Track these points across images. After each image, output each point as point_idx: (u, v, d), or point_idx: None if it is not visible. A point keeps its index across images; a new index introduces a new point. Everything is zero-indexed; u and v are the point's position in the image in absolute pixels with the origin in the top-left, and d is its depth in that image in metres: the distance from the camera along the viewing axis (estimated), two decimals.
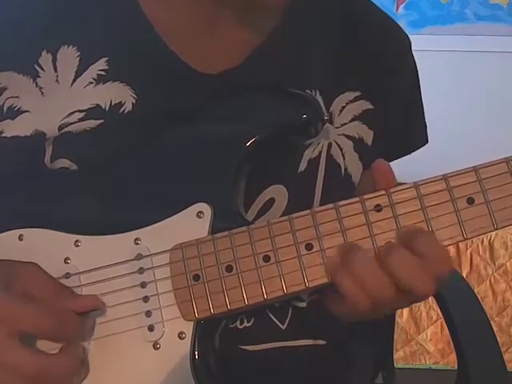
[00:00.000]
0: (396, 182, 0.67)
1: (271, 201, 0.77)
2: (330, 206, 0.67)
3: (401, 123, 0.88)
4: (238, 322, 0.76)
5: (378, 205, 0.66)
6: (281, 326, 0.78)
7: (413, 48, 0.90)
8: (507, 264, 2.29)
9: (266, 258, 0.66)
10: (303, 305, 0.80)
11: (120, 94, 0.75)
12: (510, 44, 2.50)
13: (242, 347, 0.77)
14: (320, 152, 0.80)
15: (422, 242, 0.64)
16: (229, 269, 0.67)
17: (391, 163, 0.92)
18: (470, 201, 0.65)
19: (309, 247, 0.66)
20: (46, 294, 0.66)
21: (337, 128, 0.81)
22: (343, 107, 0.82)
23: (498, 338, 0.94)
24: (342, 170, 0.82)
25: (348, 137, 0.82)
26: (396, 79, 0.87)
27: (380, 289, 0.64)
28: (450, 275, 1.08)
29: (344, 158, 0.82)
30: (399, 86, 0.88)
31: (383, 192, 0.66)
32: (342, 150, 0.81)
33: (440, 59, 2.45)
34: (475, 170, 0.65)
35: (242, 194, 0.73)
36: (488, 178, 0.65)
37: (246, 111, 0.74)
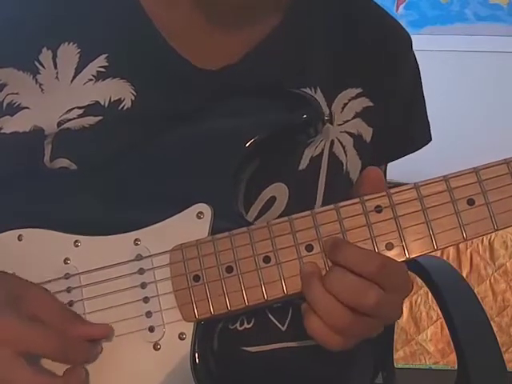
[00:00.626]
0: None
1: (272, 199, 0.77)
2: (331, 206, 0.67)
3: (401, 122, 0.88)
4: (237, 324, 0.76)
5: (378, 206, 0.66)
6: (281, 327, 0.78)
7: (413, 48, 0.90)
8: (507, 264, 2.29)
9: (267, 259, 0.66)
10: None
11: (119, 91, 0.75)
12: (510, 44, 2.50)
13: (243, 348, 0.77)
14: (322, 150, 0.80)
15: (341, 255, 0.64)
16: (229, 270, 0.67)
17: (392, 162, 0.93)
18: (471, 202, 0.64)
19: (309, 248, 0.66)
20: (54, 318, 0.66)
21: (339, 125, 0.81)
22: (345, 104, 0.82)
23: (498, 338, 0.94)
24: (344, 167, 0.82)
25: (349, 134, 0.82)
26: (396, 78, 0.87)
27: (336, 315, 0.63)
28: (450, 275, 1.09)
29: (346, 156, 0.82)
30: (399, 86, 0.88)
31: (384, 193, 0.66)
32: (344, 147, 0.81)
33: (440, 59, 2.45)
34: (475, 171, 0.65)
35: (242, 194, 0.73)
36: (488, 179, 0.65)
37: (245, 111, 0.74)
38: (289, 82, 0.78)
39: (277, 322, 0.78)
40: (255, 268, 0.66)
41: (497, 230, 0.64)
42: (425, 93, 0.91)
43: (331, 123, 0.80)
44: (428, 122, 0.92)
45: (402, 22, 0.91)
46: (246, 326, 0.76)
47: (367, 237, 0.65)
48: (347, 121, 0.82)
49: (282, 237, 0.66)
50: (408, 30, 0.90)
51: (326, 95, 0.80)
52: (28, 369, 0.62)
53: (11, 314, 0.63)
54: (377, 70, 0.84)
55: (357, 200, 0.66)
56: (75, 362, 0.65)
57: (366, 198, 0.66)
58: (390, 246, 0.65)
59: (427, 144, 0.91)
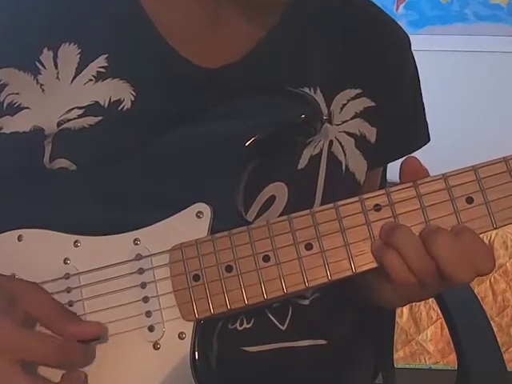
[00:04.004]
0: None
1: (272, 198, 0.77)
2: (330, 205, 0.67)
3: (402, 123, 0.88)
4: (237, 324, 0.76)
5: (377, 204, 0.66)
6: (281, 326, 0.78)
7: (413, 48, 0.90)
8: (507, 264, 2.29)
9: (266, 258, 0.66)
10: (306, 302, 0.80)
11: (119, 91, 0.75)
12: (510, 44, 2.50)
13: (243, 348, 0.77)
14: (321, 149, 0.80)
15: (467, 234, 0.63)
16: (229, 269, 0.67)
17: (392, 162, 0.93)
18: (469, 200, 0.64)
19: (308, 247, 0.66)
20: (48, 317, 0.66)
21: (338, 125, 0.81)
22: (344, 104, 0.82)
23: (498, 338, 0.94)
24: (343, 167, 0.82)
25: (349, 134, 0.82)
26: (396, 79, 0.87)
27: (422, 266, 0.63)
28: None
29: (345, 155, 0.81)
30: (400, 86, 0.88)
31: (383, 191, 0.66)
32: (343, 147, 0.81)
33: (440, 59, 2.45)
34: (474, 169, 0.65)
35: (241, 193, 0.73)
36: (487, 177, 0.65)
37: (245, 111, 0.74)
38: (289, 81, 0.78)
39: (276, 322, 0.78)
40: (255, 267, 0.66)
41: (495, 228, 0.64)
42: (424, 93, 0.91)
43: (330, 123, 0.81)
44: (426, 123, 0.92)
45: (402, 22, 0.92)
46: (245, 325, 0.76)
47: (366, 236, 0.65)
48: (346, 121, 0.82)
49: (282, 236, 0.66)
50: (408, 29, 0.90)
51: (326, 94, 0.80)
52: (25, 377, 0.62)
53: (6, 320, 0.63)
54: (377, 70, 0.84)
55: (356, 199, 0.66)
56: (72, 367, 0.65)
57: (365, 196, 0.66)
58: None
59: (425, 144, 0.92)
